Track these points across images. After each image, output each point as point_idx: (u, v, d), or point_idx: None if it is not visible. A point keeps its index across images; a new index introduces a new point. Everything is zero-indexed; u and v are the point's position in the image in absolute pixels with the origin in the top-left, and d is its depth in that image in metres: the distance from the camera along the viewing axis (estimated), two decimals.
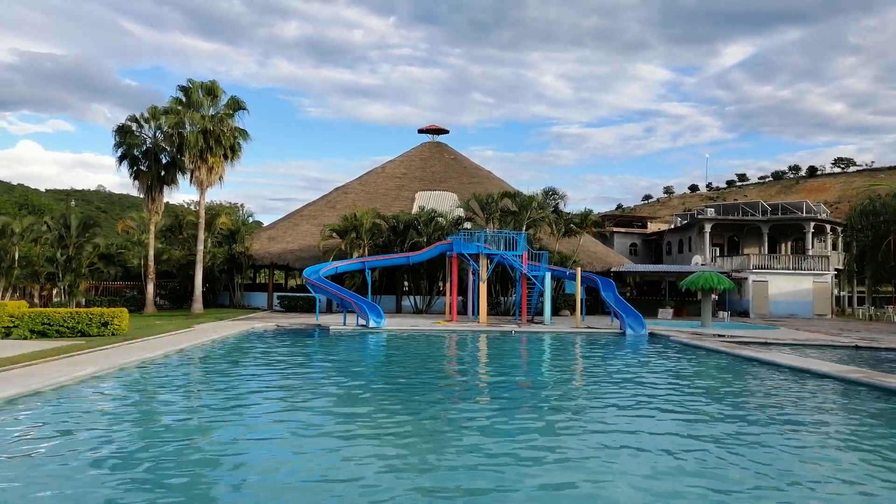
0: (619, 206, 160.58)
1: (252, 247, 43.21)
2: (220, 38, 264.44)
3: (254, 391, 13.30)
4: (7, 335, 20.92)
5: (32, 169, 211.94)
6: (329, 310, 38.17)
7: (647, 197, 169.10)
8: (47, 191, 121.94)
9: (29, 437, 8.89)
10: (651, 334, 26.73)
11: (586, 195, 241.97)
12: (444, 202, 45.49)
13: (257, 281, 51.26)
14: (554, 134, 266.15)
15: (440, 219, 40.12)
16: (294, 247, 43.27)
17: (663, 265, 53.19)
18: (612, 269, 43.98)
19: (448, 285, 35.09)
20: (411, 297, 41.26)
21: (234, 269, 42.45)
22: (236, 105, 38.39)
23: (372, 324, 27.53)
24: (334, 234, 39.03)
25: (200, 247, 37.47)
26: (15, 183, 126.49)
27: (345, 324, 28.11)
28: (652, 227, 66.92)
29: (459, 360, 20.11)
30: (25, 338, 20.73)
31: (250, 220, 51.94)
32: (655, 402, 12.31)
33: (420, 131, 59.00)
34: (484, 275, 31.67)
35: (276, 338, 24.32)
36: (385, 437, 9.35)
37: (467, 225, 39.80)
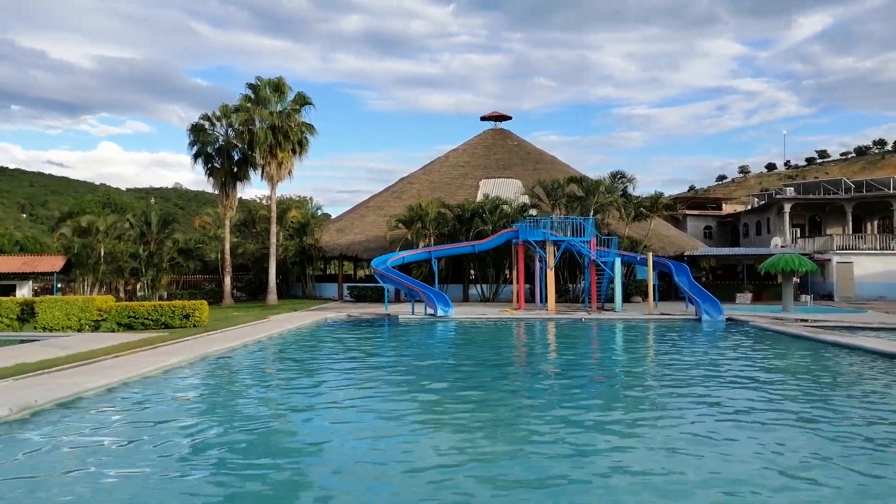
0: (692, 188, 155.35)
1: (321, 239, 44.09)
2: (284, 36, 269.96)
3: (329, 379, 13.56)
4: (96, 328, 22.05)
5: (113, 169, 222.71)
6: (397, 299, 38.60)
7: (721, 178, 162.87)
8: (128, 190, 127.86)
9: (121, 423, 9.30)
10: (729, 320, 25.79)
11: (656, 178, 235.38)
12: (508, 189, 45.14)
13: (327, 272, 52.36)
14: (620, 116, 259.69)
15: (505, 206, 39.84)
16: (361, 238, 43.89)
17: (740, 248, 51.24)
18: (685, 254, 42.66)
19: (514, 273, 34.85)
20: (478, 286, 41.21)
21: (305, 260, 43.45)
22: (302, 100, 39.16)
23: (440, 313, 27.64)
24: (400, 225, 39.35)
25: (273, 240, 38.52)
26: (98, 183, 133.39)
27: (413, 313, 28.33)
28: (727, 209, 64.49)
29: (530, 347, 19.94)
30: (113, 330, 21.79)
31: (319, 212, 53.09)
32: (743, 389, 11.85)
33: (482, 118, 58.65)
34: (551, 262, 31.28)
35: (347, 327, 24.75)
36: (461, 425, 9.34)
37: (533, 212, 39.37)
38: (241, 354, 16.67)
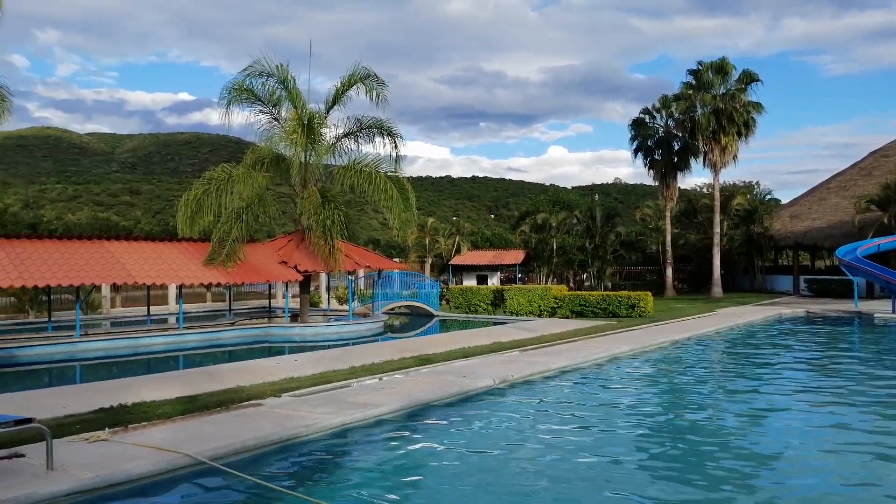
0: None
1: (771, 226, 40.38)
2: (723, 12, 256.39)
3: (781, 380, 12.24)
4: (552, 314, 24.34)
5: (560, 170, 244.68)
6: (870, 295, 32.80)
7: None
8: (573, 188, 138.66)
9: (575, 402, 9.98)
10: None
11: None
12: None
13: (779, 263, 47.74)
14: None
15: None
16: (821, 224, 38.64)
17: None
18: None
19: None
20: None
21: (752, 251, 40.44)
22: (748, 78, 36.51)
23: None
24: (872, 207, 33.35)
25: (716, 230, 36.86)
26: (548, 184, 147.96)
27: (893, 311, 23.66)
28: None
29: None
30: (566, 317, 23.75)
31: (767, 198, 48.60)
32: None
33: None
34: None
35: (805, 325, 22.08)
36: None
37: None
38: (689, 347, 16.33)
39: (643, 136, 39.80)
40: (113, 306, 29.08)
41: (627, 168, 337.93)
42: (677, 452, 7.54)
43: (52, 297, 21.82)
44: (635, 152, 40.40)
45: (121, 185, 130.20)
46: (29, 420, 6.03)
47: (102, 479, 5.81)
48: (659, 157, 39.64)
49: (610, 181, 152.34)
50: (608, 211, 45.60)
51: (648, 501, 5.88)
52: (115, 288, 28.35)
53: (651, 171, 40.29)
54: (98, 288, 26.13)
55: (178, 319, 20.38)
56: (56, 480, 5.66)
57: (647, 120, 39.93)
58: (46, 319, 20.96)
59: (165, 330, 20.20)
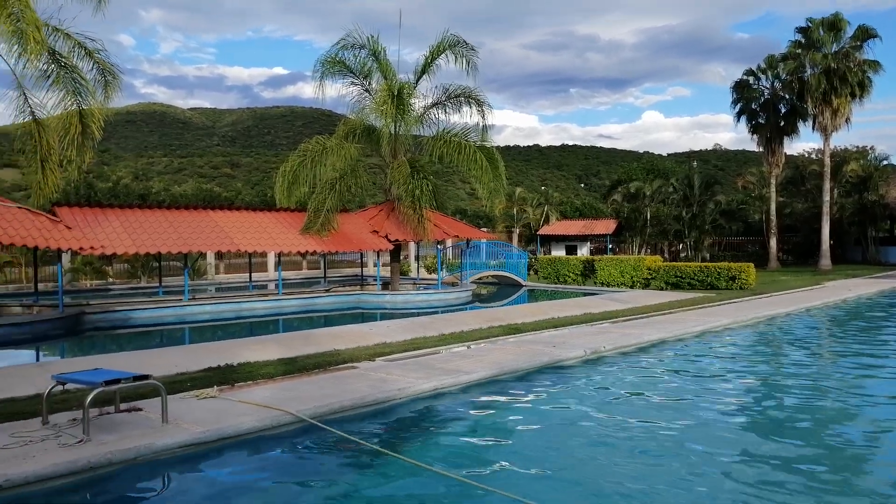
0: None
1: (888, 194, 37.53)
2: None
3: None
4: (646, 286, 23.68)
5: (655, 136, 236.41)
6: None
7: None
8: (668, 155, 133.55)
9: (670, 376, 9.68)
10: None
11: None
12: None
13: (895, 233, 44.37)
14: None
15: None
16: None
17: None
18: None
19: None
20: None
21: (865, 220, 37.89)
22: (864, 34, 33.76)
23: None
24: None
25: (826, 198, 34.60)
26: (641, 151, 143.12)
27: None
28: None
29: None
30: (661, 288, 23.04)
31: (884, 164, 45.02)
32: None
33: None
34: None
35: None
36: None
37: None
38: (795, 321, 15.49)
39: (747, 99, 37.80)
40: (216, 273, 30.70)
41: (728, 133, 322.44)
42: (782, 435, 7.18)
43: (161, 263, 23.26)
44: (738, 116, 38.48)
45: (221, 157, 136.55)
46: (146, 377, 6.46)
47: (212, 434, 6.16)
48: (763, 121, 37.56)
49: (709, 147, 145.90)
50: (707, 178, 43.65)
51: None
52: (219, 255, 29.90)
53: (755, 135, 38.29)
54: (203, 255, 27.62)
55: (277, 286, 21.26)
56: (170, 433, 6.05)
57: (752, 82, 37.86)
58: (157, 285, 22.39)
59: (266, 295, 21.14)
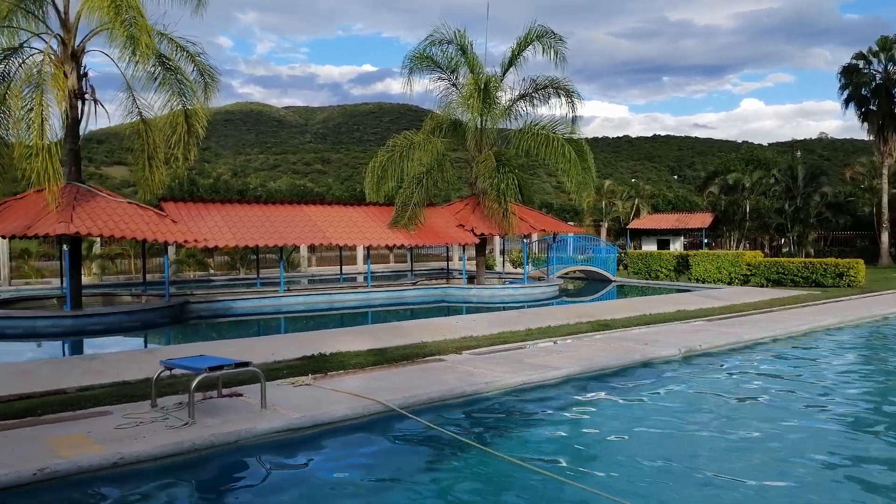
0: None
1: None
2: None
3: None
4: (745, 282, 22.61)
5: (755, 125, 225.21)
6: None
7: None
8: (769, 144, 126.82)
9: (773, 378, 9.19)
10: None
11: None
12: None
13: None
14: None
15: None
16: None
17: None
18: None
19: None
20: None
21: None
22: None
23: None
24: None
25: None
26: (740, 141, 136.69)
27: None
28: None
29: None
30: (762, 285, 21.94)
31: None
32: None
33: None
34: None
35: None
36: None
37: None
38: None
39: (856, 85, 35.37)
40: (309, 265, 31.75)
41: (835, 121, 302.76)
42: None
43: (258, 255, 24.27)
44: (846, 103, 36.10)
45: (313, 154, 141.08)
46: (246, 364, 6.76)
47: (308, 420, 6.38)
48: (875, 108, 35.07)
49: (813, 136, 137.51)
50: (812, 169, 41.15)
51: None
52: (311, 248, 30.89)
53: (865, 123, 35.83)
54: (297, 248, 28.62)
55: (366, 278, 21.75)
56: (269, 419, 6.31)
57: (862, 66, 35.37)
58: (255, 276, 23.38)
59: (356, 288, 21.67)
